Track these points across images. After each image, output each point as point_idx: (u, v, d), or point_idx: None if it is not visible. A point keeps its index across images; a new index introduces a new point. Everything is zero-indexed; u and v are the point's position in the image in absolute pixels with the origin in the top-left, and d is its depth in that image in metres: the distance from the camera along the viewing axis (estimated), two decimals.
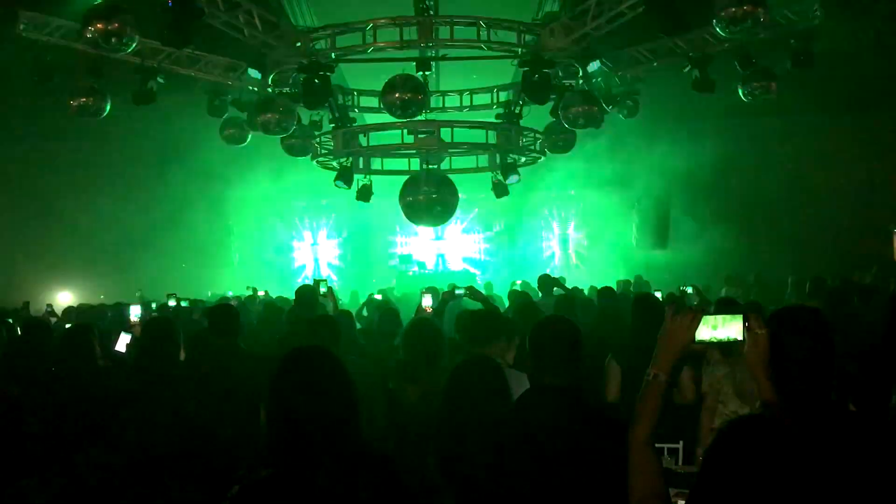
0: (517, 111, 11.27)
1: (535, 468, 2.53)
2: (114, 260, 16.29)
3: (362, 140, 11.72)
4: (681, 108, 13.27)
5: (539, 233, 19.16)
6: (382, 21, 9.30)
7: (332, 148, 12.01)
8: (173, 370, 4.05)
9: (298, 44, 9.56)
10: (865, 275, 11.89)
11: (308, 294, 6.56)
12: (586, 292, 10.76)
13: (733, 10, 7.90)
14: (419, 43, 9.50)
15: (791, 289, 10.97)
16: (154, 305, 9.86)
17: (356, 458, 2.04)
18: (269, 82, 10.58)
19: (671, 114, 13.51)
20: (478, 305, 5.77)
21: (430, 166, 11.48)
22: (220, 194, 16.96)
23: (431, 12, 9.34)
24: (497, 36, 9.54)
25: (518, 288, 10.05)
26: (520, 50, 9.71)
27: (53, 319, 10.10)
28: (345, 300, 10.97)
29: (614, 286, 9.63)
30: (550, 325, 2.86)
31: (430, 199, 11.27)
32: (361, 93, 12.44)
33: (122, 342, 5.04)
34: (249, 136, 11.48)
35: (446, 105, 12.78)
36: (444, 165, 12.29)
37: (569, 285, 12.30)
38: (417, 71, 9.49)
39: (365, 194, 12.73)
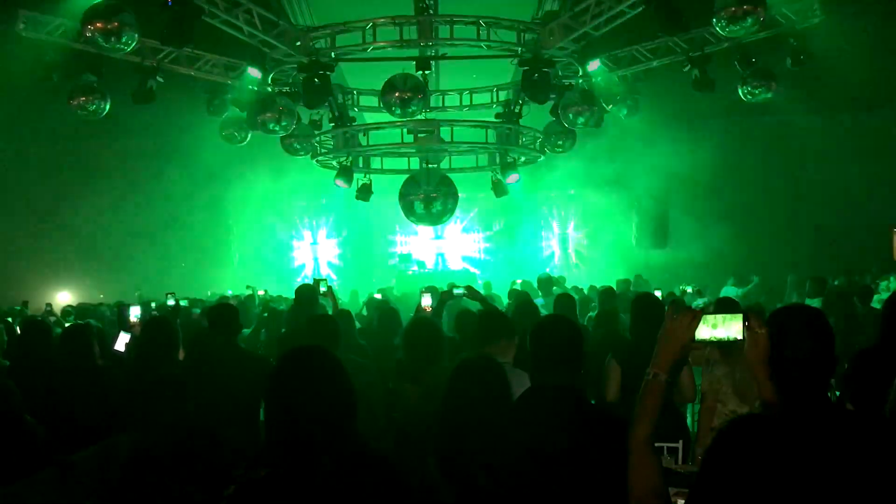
0: (517, 110, 11.27)
1: (535, 467, 2.52)
2: (113, 259, 16.31)
3: (362, 139, 11.72)
4: (681, 108, 13.27)
5: (539, 232, 19.18)
6: (382, 20, 9.30)
7: (331, 147, 12.01)
8: (172, 369, 4.04)
9: (298, 43, 9.56)
10: (865, 275, 11.91)
11: (308, 293, 6.56)
12: (586, 291, 10.77)
13: (733, 9, 7.91)
14: (419, 42, 9.50)
15: (790, 288, 10.99)
16: (153, 305, 9.86)
17: (354, 458, 2.03)
18: (269, 81, 10.59)
19: (671, 113, 13.51)
20: (478, 305, 5.78)
21: (430, 165, 11.48)
22: (220, 193, 16.97)
23: (431, 11, 9.34)
24: (497, 35, 9.54)
25: (518, 287, 10.06)
26: (519, 49, 9.70)
27: (52, 319, 10.11)
28: (344, 299, 10.97)
29: (614, 285, 9.64)
30: (552, 324, 2.86)
31: (429, 199, 11.27)
32: (361, 92, 12.44)
33: (122, 341, 5.04)
34: (249, 135, 11.48)
35: (446, 104, 12.78)
36: (444, 164, 12.29)
37: (568, 285, 12.37)
38: (417, 70, 9.48)
39: (364, 193, 12.74)
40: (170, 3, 7.56)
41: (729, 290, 11.41)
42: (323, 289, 7.14)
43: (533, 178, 15.03)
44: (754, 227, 15.46)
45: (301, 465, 1.97)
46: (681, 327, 2.03)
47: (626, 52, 10.72)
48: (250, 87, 10.60)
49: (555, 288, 9.95)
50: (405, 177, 11.88)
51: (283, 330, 6.74)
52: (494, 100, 12.46)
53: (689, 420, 5.13)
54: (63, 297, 15.76)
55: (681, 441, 3.73)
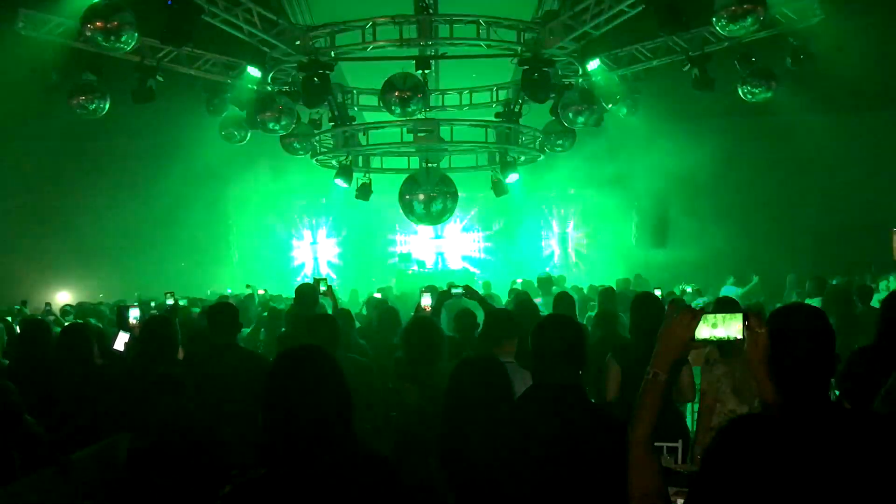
0: (517, 110, 11.27)
1: (534, 466, 2.52)
2: (112, 259, 16.30)
3: (362, 138, 11.71)
4: (680, 107, 13.27)
5: (538, 232, 19.18)
6: (382, 19, 9.29)
7: (331, 146, 12.00)
8: (172, 369, 4.04)
9: (298, 42, 9.55)
10: (865, 274, 11.91)
11: (308, 292, 6.56)
12: (585, 291, 10.78)
13: (733, 8, 7.91)
14: (419, 41, 9.49)
15: (790, 288, 10.99)
16: (153, 304, 9.86)
17: (351, 459, 2.03)
18: (269, 80, 10.58)
19: (671, 112, 13.51)
20: (477, 305, 5.78)
21: (430, 165, 11.48)
22: (220, 193, 16.97)
23: (431, 10, 9.34)
24: (497, 34, 9.53)
25: (519, 287, 10.07)
26: (519, 48, 9.70)
27: (52, 318, 10.11)
28: (344, 299, 10.97)
29: (614, 285, 9.64)
30: (554, 323, 2.86)
31: (429, 198, 11.27)
32: (361, 91, 12.43)
33: (121, 341, 5.04)
34: (249, 134, 11.48)
35: (446, 103, 12.77)
36: (444, 164, 12.28)
37: (568, 284, 12.37)
38: (417, 69, 9.48)
39: (364, 193, 12.73)
40: (169, 3, 7.55)
41: (729, 290, 11.42)
42: (323, 288, 7.14)
43: (533, 178, 15.03)
44: (754, 227, 15.47)
45: (297, 465, 1.97)
46: (680, 326, 2.02)
47: (625, 52, 10.72)
48: (250, 86, 10.60)
49: (554, 287, 9.96)
50: (405, 176, 11.88)
51: (283, 329, 6.74)
52: (494, 99, 12.45)
53: (688, 419, 5.13)
54: (62, 297, 15.76)
55: (680, 441, 3.74)
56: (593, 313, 7.19)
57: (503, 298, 9.54)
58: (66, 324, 6.90)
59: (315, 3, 10.56)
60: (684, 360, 4.42)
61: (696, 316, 2.03)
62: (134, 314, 5.28)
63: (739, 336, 1.97)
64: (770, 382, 1.94)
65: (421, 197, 11.28)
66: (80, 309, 10.56)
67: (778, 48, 10.07)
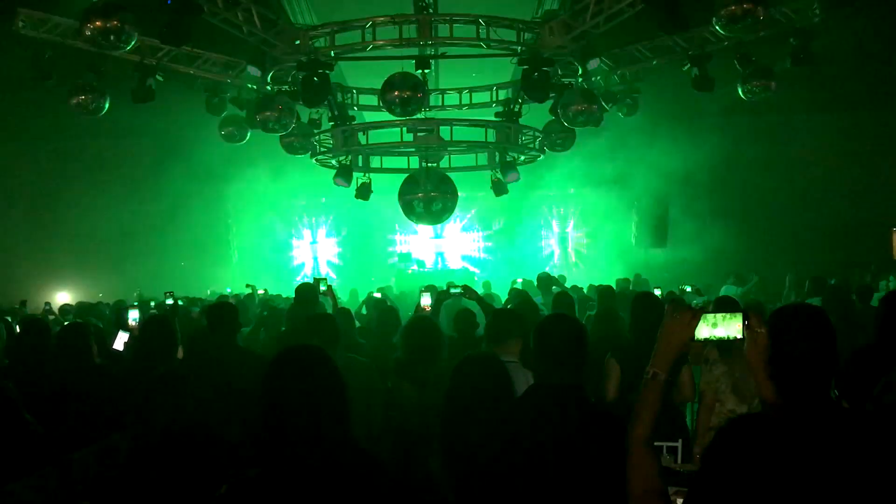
0: (516, 109, 11.26)
1: (536, 466, 2.52)
2: (112, 259, 16.29)
3: (361, 138, 11.71)
4: (680, 107, 13.27)
5: (538, 231, 19.19)
6: (382, 19, 9.29)
7: (331, 146, 12.00)
8: (171, 368, 4.04)
9: (297, 41, 9.54)
10: (865, 274, 11.91)
11: (308, 292, 6.56)
12: (585, 290, 10.77)
13: (733, 7, 7.90)
14: (418, 41, 9.48)
15: (788, 287, 10.98)
16: (153, 304, 9.85)
17: (345, 459, 2.02)
18: (269, 80, 10.57)
19: (670, 112, 13.52)
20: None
21: (430, 164, 11.47)
22: (219, 192, 16.96)
23: (431, 10, 9.33)
24: (496, 34, 9.52)
25: (519, 286, 10.06)
26: (519, 48, 9.69)
27: (51, 318, 10.10)
28: (344, 298, 10.96)
29: (613, 285, 9.63)
30: (556, 323, 2.86)
31: (429, 198, 11.26)
32: (361, 91, 12.43)
33: (121, 340, 5.04)
34: (248, 134, 11.47)
35: (445, 103, 12.77)
36: (444, 163, 12.28)
37: (568, 284, 12.36)
38: (417, 69, 9.47)
39: (364, 192, 12.72)
40: (169, 2, 7.54)
41: (729, 290, 11.41)
42: (323, 288, 7.14)
43: (532, 178, 15.03)
44: (754, 227, 15.47)
45: (292, 465, 1.97)
46: (680, 326, 2.02)
47: (625, 52, 10.71)
48: (250, 85, 10.59)
49: (554, 287, 9.95)
50: (405, 176, 11.87)
51: (283, 329, 6.74)
52: (494, 99, 12.45)
53: (688, 419, 5.13)
54: (62, 297, 15.74)
55: (680, 440, 3.73)
56: (593, 313, 7.17)
57: (503, 298, 9.53)
58: (66, 323, 6.89)
59: (315, 3, 10.56)
60: (684, 360, 4.42)
61: (695, 315, 2.03)
62: (133, 316, 5.28)
63: (739, 336, 1.97)
64: (770, 382, 1.94)
65: (421, 197, 11.27)
66: (79, 308, 10.56)
67: (778, 48, 10.07)
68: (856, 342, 4.29)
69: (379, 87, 9.82)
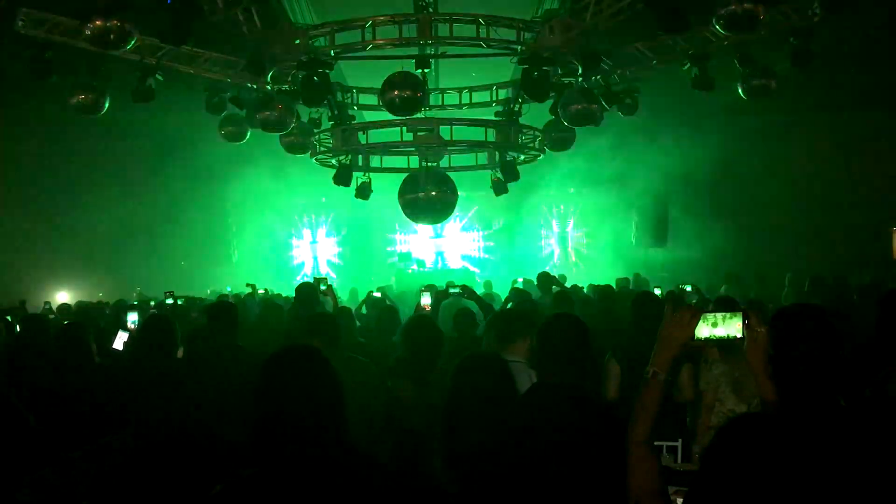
0: (516, 109, 11.26)
1: (537, 465, 2.52)
2: (112, 258, 16.29)
3: (361, 137, 11.70)
4: (680, 107, 13.26)
5: (538, 231, 19.19)
6: (382, 18, 9.28)
7: (331, 145, 11.99)
8: (171, 368, 4.04)
9: (297, 41, 9.54)
10: (865, 274, 11.90)
11: (308, 291, 6.57)
12: (585, 290, 10.77)
13: (733, 7, 7.89)
14: (418, 40, 9.48)
15: (788, 287, 10.98)
16: (153, 304, 9.85)
17: (340, 459, 2.02)
18: (268, 79, 10.57)
19: (670, 112, 13.50)
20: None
21: (430, 164, 11.47)
22: (219, 192, 16.96)
23: (431, 10, 9.33)
24: (496, 33, 9.52)
25: (520, 286, 10.05)
26: (519, 47, 9.69)
27: (51, 317, 10.09)
28: (344, 298, 10.96)
29: (613, 284, 9.63)
30: (559, 322, 2.86)
31: (429, 197, 11.26)
32: (361, 90, 12.42)
33: (120, 340, 5.04)
34: (248, 133, 11.46)
35: (445, 103, 12.76)
36: (444, 163, 12.27)
37: (568, 283, 12.35)
38: (417, 68, 9.47)
39: (364, 192, 12.72)
40: (169, 1, 7.54)
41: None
42: (323, 287, 7.14)
43: (532, 177, 15.02)
44: (754, 226, 15.45)
45: (287, 464, 1.96)
46: (680, 325, 2.02)
47: (625, 51, 10.70)
48: (249, 85, 10.58)
49: (554, 287, 9.95)
50: (404, 175, 11.87)
51: (284, 328, 6.74)
52: (494, 98, 12.45)
53: (687, 419, 5.13)
54: (62, 297, 15.73)
55: (680, 440, 3.74)
56: (592, 312, 7.17)
57: (503, 298, 9.52)
58: (66, 322, 6.89)
59: (314, 2, 10.56)
60: (684, 359, 4.42)
61: (695, 315, 2.02)
62: (132, 318, 5.29)
63: (739, 335, 1.96)
64: (770, 382, 1.94)
65: (421, 196, 11.27)
66: (79, 308, 10.55)
67: (778, 48, 10.06)
68: (856, 342, 4.29)
69: (379, 86, 9.82)
